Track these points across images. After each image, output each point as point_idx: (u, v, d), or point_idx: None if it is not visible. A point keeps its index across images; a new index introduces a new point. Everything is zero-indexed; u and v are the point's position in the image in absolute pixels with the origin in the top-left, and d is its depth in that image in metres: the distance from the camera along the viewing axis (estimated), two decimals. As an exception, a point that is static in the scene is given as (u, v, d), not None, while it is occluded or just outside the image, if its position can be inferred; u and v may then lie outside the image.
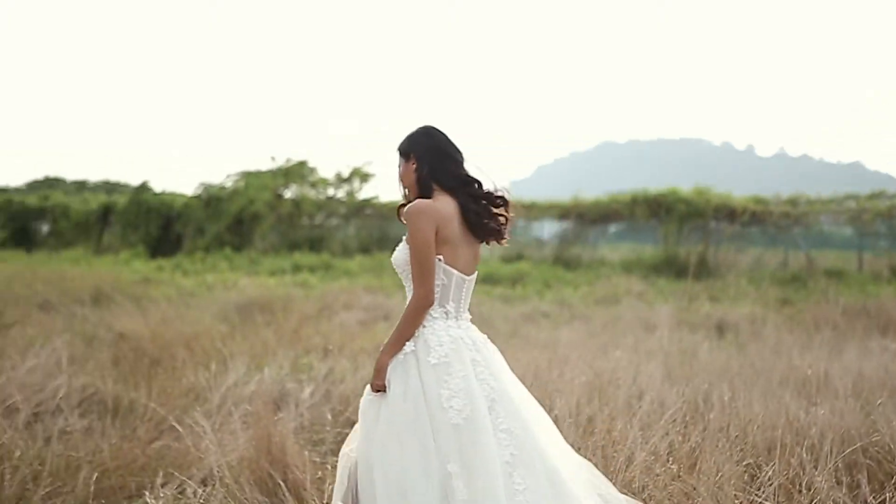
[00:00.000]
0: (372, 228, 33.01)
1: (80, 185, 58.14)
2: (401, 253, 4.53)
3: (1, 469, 6.43)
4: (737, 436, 6.37)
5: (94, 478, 6.17)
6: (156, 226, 34.35)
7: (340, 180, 33.58)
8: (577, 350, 10.00)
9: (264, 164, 34.92)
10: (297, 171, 33.65)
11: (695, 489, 5.35)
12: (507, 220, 4.60)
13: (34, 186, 55.92)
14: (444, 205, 4.46)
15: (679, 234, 27.29)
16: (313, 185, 33.79)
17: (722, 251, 26.91)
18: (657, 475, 5.59)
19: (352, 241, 32.94)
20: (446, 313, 4.46)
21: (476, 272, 4.62)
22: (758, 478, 5.77)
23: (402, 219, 4.54)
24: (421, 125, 4.67)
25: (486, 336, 4.59)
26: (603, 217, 29.47)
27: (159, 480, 6.12)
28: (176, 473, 6.21)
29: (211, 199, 33.78)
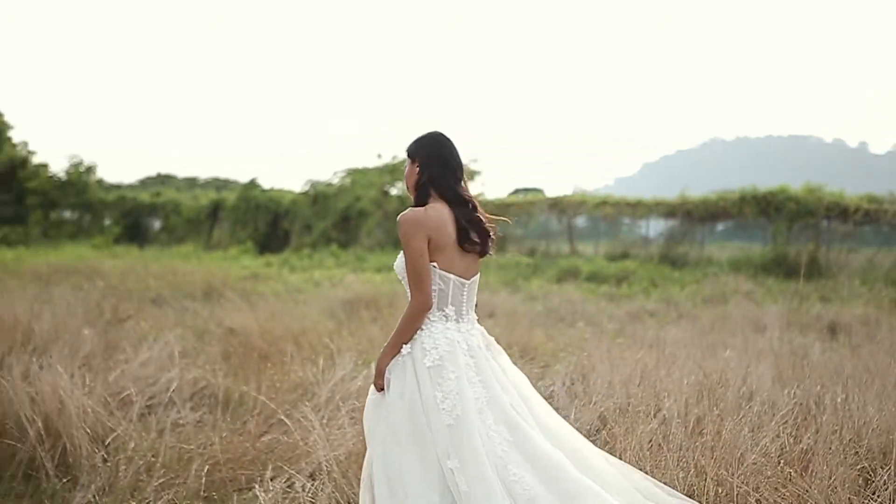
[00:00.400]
0: (481, 224, 32.96)
1: (191, 182, 59.23)
2: (400, 261, 4.66)
3: (116, 459, 6.59)
4: (850, 439, 6.23)
5: (206, 470, 6.28)
6: (264, 222, 34.82)
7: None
8: (685, 349, 9.87)
9: (371, 162, 35.19)
10: (402, 168, 33.77)
11: (807, 492, 5.25)
12: (491, 239, 4.75)
13: (147, 183, 57.14)
14: (437, 212, 4.61)
15: (788, 233, 26.77)
16: (419, 182, 33.88)
17: (833, 251, 26.32)
18: (768, 477, 5.49)
19: (456, 238, 32.94)
20: (445, 316, 4.63)
21: (478, 275, 4.78)
22: (872, 482, 5.65)
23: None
24: (431, 131, 4.83)
25: (491, 338, 4.82)
26: (710, 215, 29.02)
27: (269, 474, 6.19)
28: (285, 467, 6.29)
29: (318, 196, 34.13)
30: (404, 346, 4.57)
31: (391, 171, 33.76)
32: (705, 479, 5.52)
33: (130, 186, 53.38)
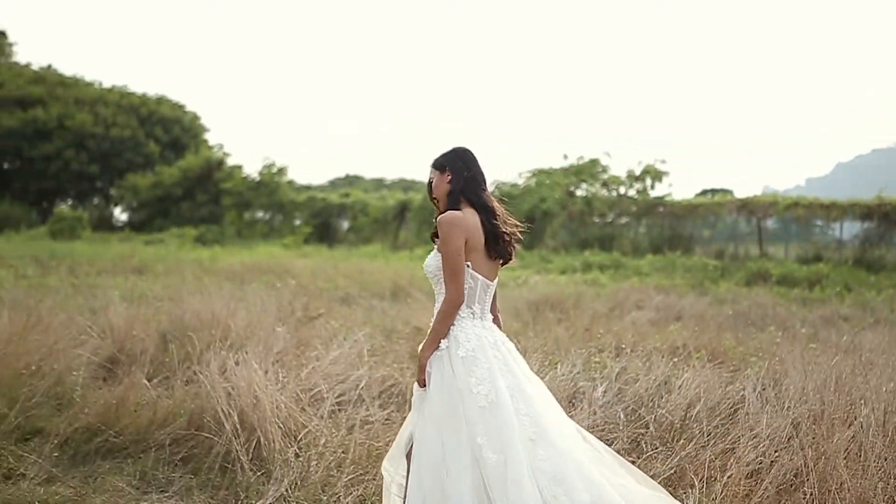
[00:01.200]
0: (664, 227, 32.49)
1: (378, 183, 60.24)
2: (433, 259, 5.10)
3: (308, 455, 6.75)
4: None
5: (394, 467, 6.36)
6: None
7: (632, 178, 33.22)
8: (883, 356, 9.51)
9: (556, 162, 35.08)
10: (588, 170, 33.58)
11: None
12: (513, 245, 5.19)
13: (336, 184, 58.39)
14: (471, 217, 5.04)
15: None
16: (605, 183, 33.60)
17: None
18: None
19: (643, 239, 32.59)
20: (472, 314, 5.04)
21: (497, 278, 5.20)
22: None
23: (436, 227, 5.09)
24: (457, 146, 5.26)
25: (504, 335, 5.18)
26: (911, 217, 27.86)
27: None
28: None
29: (503, 197, 34.20)
30: (442, 341, 4.95)
31: (576, 172, 33.58)
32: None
33: (320, 187, 54.61)
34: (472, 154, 5.25)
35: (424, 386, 4.96)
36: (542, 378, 8.14)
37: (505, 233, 5.13)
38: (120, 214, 52.32)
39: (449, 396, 4.83)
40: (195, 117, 57.44)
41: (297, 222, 41.85)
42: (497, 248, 5.09)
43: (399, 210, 38.57)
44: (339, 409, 7.94)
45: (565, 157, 34.30)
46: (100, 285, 16.95)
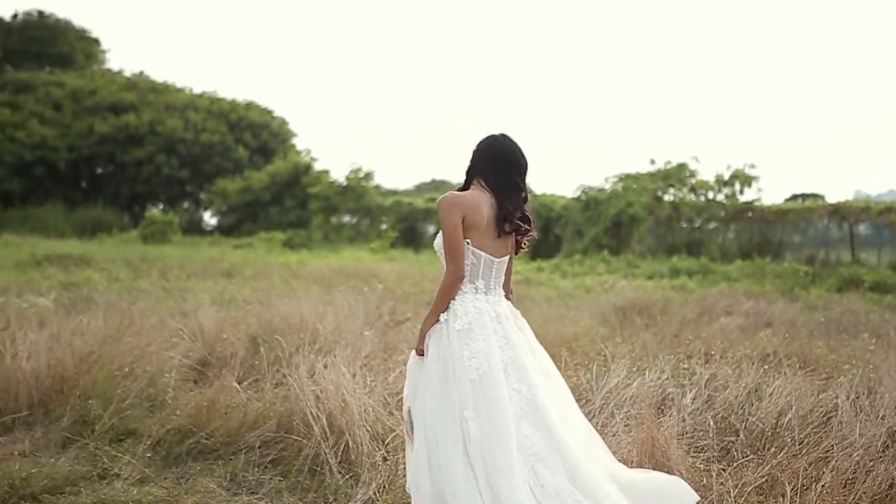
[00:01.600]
0: (753, 233, 32.09)
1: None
2: (438, 239, 5.31)
3: (396, 458, 6.79)
4: None
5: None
6: (536, 228, 35.01)
7: (721, 183, 32.85)
8: None
9: (643, 167, 34.84)
10: (676, 174, 33.26)
11: None
12: (528, 229, 5.42)
13: (421, 189, 58.56)
14: (474, 196, 5.26)
15: None
16: (692, 188, 33.27)
17: None
18: None
19: (731, 245, 32.21)
20: (475, 289, 5.30)
21: (507, 256, 5.42)
22: None
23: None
24: (490, 134, 5.46)
25: (517, 311, 5.48)
26: None
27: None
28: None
29: (590, 202, 34.04)
30: (442, 314, 5.23)
31: (664, 176, 33.29)
32: None
33: (406, 192, 54.83)
34: (502, 143, 5.42)
35: (422, 355, 5.26)
36: (629, 384, 8.13)
37: (517, 218, 5.33)
38: (209, 218, 53.12)
39: (444, 368, 5.11)
40: (283, 122, 58.01)
41: (384, 227, 42.04)
42: (503, 227, 5.29)
43: (485, 214, 38.54)
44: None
45: (652, 161, 34.04)
46: (190, 288, 17.20)
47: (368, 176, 43.61)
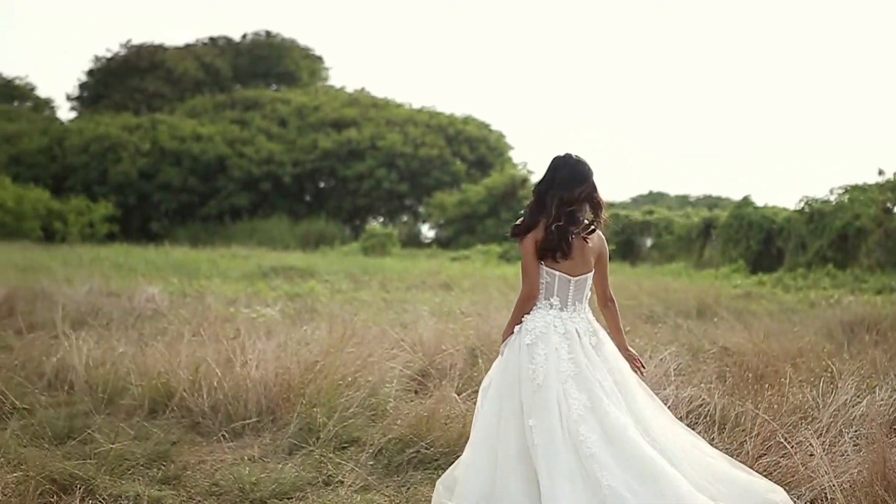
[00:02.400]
0: None
1: (683, 200, 59.44)
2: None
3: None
4: None
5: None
6: (756, 240, 34.15)
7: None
8: None
9: (871, 177, 33.57)
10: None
11: None
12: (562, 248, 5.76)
13: (639, 201, 58.05)
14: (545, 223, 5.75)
15: None
16: (924, 199, 31.80)
17: None
18: None
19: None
20: (550, 304, 5.76)
21: (586, 273, 5.85)
22: None
23: None
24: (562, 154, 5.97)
25: (597, 326, 5.88)
26: None
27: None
28: (785, 490, 6.13)
29: (814, 214, 33.00)
30: (516, 326, 5.78)
31: (893, 187, 31.96)
32: None
33: (622, 204, 54.45)
34: (559, 161, 5.93)
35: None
36: (858, 402, 7.84)
37: (564, 238, 5.72)
38: (427, 231, 53.96)
39: (510, 376, 5.66)
40: (500, 136, 58.42)
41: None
42: (555, 257, 5.74)
43: (704, 227, 37.90)
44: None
45: (881, 172, 32.71)
46: (409, 300, 17.54)
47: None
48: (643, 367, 6.26)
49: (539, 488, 5.36)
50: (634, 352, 6.28)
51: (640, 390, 5.86)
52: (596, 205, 5.96)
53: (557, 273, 5.74)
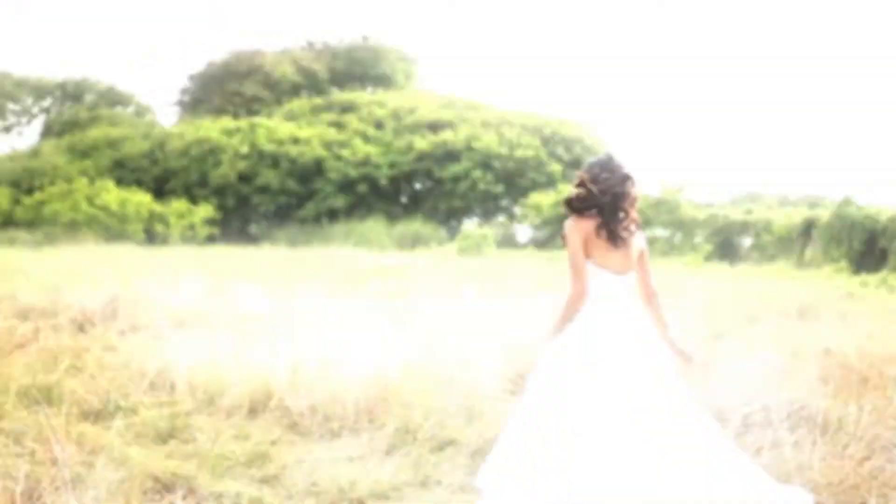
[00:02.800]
0: None
1: (782, 200, 58.51)
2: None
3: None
4: None
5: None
6: (859, 240, 33.54)
7: None
8: None
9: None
10: None
11: None
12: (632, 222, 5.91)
13: (738, 201, 57.25)
14: (589, 221, 5.79)
15: None
16: None
17: None
18: None
19: None
20: (595, 303, 5.79)
21: (629, 270, 5.89)
22: None
23: None
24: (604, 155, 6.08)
25: (642, 325, 5.88)
26: None
27: (872, 501, 5.96)
28: (890, 495, 6.01)
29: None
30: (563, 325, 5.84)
31: None
32: None
33: (721, 205, 53.80)
34: (606, 161, 5.92)
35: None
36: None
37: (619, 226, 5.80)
38: (523, 232, 53.87)
39: (553, 371, 5.77)
40: (596, 139, 58.12)
41: (697, 240, 41.41)
42: (614, 237, 5.77)
43: (805, 227, 37.30)
44: (745, 431, 7.77)
45: None
46: (506, 299, 17.49)
47: (682, 188, 43.10)
48: (690, 359, 6.23)
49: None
50: (680, 346, 6.19)
51: (676, 388, 5.89)
52: (632, 202, 5.94)
53: (604, 272, 5.80)
